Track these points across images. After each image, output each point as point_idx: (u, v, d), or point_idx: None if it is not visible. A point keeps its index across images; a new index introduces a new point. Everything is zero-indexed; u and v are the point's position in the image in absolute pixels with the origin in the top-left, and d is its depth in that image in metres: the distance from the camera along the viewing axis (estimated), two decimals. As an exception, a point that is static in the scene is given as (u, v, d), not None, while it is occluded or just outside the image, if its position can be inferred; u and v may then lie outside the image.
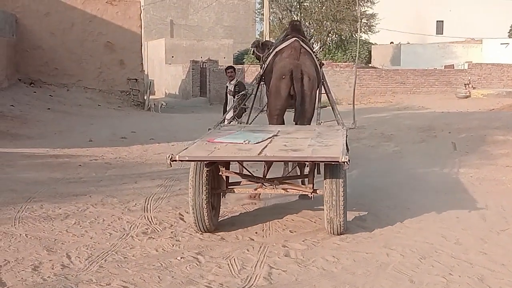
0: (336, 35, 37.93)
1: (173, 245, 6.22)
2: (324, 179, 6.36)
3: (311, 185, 6.81)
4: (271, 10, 33.74)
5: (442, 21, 55.85)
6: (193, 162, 6.34)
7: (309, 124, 8.39)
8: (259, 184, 7.32)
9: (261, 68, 9.29)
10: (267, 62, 8.72)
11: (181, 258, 5.80)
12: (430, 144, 13.31)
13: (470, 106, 24.75)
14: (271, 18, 33.87)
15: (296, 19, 36.98)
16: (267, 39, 26.89)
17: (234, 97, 10.72)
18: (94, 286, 5.08)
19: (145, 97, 25.67)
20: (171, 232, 6.67)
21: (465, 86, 32.34)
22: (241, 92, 10.46)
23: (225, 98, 12.13)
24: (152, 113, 24.03)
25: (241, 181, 7.27)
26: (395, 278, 5.34)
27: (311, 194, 6.73)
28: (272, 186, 7.01)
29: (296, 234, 6.64)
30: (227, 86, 11.98)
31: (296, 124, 8.31)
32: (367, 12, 37.46)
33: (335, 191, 6.26)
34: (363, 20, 36.59)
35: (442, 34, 52.69)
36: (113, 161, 11.39)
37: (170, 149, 12.78)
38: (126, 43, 24.63)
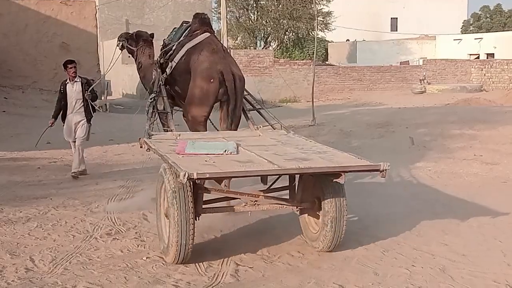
0: (293, 33, 38.10)
1: (138, 246, 6.19)
2: (323, 193, 5.74)
3: (298, 199, 6.05)
4: (228, 9, 33.68)
5: (396, 18, 56.70)
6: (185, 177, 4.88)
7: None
8: (240, 202, 6.06)
9: (138, 65, 8.66)
10: (174, 61, 7.64)
11: (146, 258, 5.78)
12: (388, 140, 13.51)
13: (426, 101, 25.18)
14: (228, 17, 33.79)
15: (253, 17, 37.14)
16: (225, 38, 26.79)
17: (88, 100, 9.68)
18: (59, 288, 5.03)
19: (103, 98, 25.39)
20: (136, 233, 6.64)
21: (420, 82, 32.90)
22: (94, 93, 9.85)
23: (60, 102, 9.91)
24: (109, 114, 23.78)
25: (219, 199, 6.13)
26: (360, 271, 5.42)
27: (297, 209, 6.08)
28: (254, 202, 5.90)
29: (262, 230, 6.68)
30: (64, 86, 9.86)
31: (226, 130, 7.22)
32: (323, 10, 37.73)
33: (339, 207, 5.67)
34: (319, 18, 36.81)
35: (396, 31, 53.47)
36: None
37: (130, 150, 12.71)
38: (81, 43, 24.29)
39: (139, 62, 8.71)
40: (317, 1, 36.01)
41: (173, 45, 7.86)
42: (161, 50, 8.11)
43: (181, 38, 7.84)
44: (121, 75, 38.54)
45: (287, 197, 6.26)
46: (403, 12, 56.34)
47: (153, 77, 7.87)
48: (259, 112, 7.79)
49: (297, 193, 6.08)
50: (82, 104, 9.74)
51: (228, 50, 8.07)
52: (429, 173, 10.00)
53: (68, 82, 9.83)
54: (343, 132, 14.62)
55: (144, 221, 7.09)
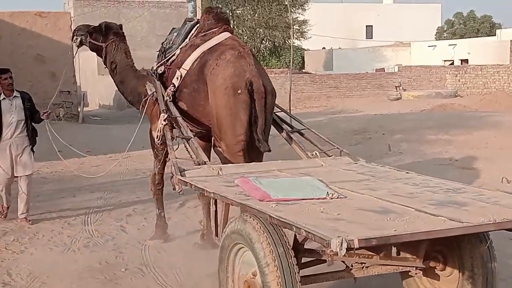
0: (270, 42, 38.28)
1: (116, 257, 6.17)
2: (464, 247, 4.08)
3: (422, 256, 4.18)
4: (204, 18, 33.75)
5: (372, 26, 57.26)
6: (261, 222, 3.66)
7: None
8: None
9: (111, 66, 6.81)
10: (184, 68, 5.87)
11: (125, 269, 5.76)
12: (365, 146, 13.60)
13: (402, 108, 25.41)
14: (204, 27, 33.88)
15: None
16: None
17: (35, 115, 7.57)
18: (37, 302, 4.99)
19: (79, 109, 25.25)
20: (114, 244, 6.61)
21: (396, 89, 33.20)
22: (33, 106, 7.60)
23: None
24: (86, 125, 23.66)
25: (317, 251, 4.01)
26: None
27: (417, 271, 4.27)
28: (362, 265, 4.16)
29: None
30: None
31: (249, 158, 5.48)
32: (299, 19, 37.96)
33: (489, 267, 4.03)
34: (295, 27, 37.02)
35: (371, 38, 54.00)
36: (50, 176, 11.15)
37: (107, 162, 12.63)
38: (57, 55, 24.13)
39: (112, 62, 6.79)
40: (292, 10, 36.21)
41: (177, 49, 6.19)
42: (158, 56, 6.51)
43: (188, 40, 6.14)
44: (97, 86, 38.37)
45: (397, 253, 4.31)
46: (378, 19, 56.92)
47: (147, 89, 6.35)
48: (300, 134, 6.03)
49: (420, 248, 4.16)
50: (25, 127, 7.48)
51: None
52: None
53: (3, 98, 7.42)
54: (321, 140, 14.66)
55: (122, 233, 7.06)
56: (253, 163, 5.22)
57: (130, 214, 7.96)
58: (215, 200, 4.31)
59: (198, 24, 6.22)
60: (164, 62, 6.27)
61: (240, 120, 5.34)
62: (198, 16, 28.73)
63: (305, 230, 3.21)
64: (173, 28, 6.82)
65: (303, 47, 42.83)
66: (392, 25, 55.18)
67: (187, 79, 5.81)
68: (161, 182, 6.77)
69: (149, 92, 6.31)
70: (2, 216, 7.71)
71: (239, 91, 5.32)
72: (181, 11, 48.52)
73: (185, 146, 5.33)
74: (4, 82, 7.43)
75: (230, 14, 37.42)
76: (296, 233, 3.63)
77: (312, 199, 3.89)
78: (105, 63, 6.91)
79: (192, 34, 6.18)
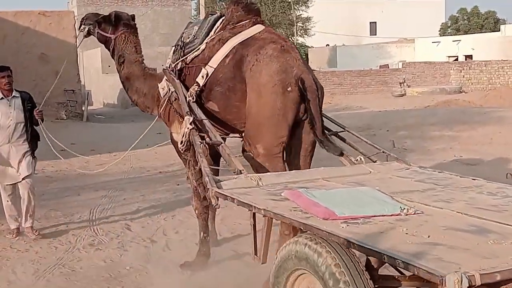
0: (273, 39, 38.27)
1: (121, 255, 6.18)
2: None
3: None
4: (207, 16, 33.76)
5: (375, 22, 57.14)
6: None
7: None
8: None
9: (119, 60, 6.17)
10: (210, 66, 5.23)
11: (130, 267, 5.77)
12: (370, 143, 13.57)
13: (406, 104, 25.38)
14: (208, 24, 33.88)
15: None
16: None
17: (31, 119, 6.87)
18: (42, 301, 5.01)
19: (83, 108, 25.31)
20: (118, 242, 6.62)
21: (400, 85, 33.17)
22: (34, 108, 6.92)
23: None
24: (90, 124, 23.71)
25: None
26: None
27: None
28: None
29: (245, 238, 6.66)
30: None
31: (292, 164, 5.02)
32: (302, 16, 37.94)
33: None
34: (298, 24, 37.02)
35: (375, 35, 53.89)
36: (54, 174, 11.18)
37: (112, 160, 12.64)
38: (61, 54, 24.17)
39: (120, 55, 6.18)
40: (296, 7, 36.20)
41: (201, 44, 5.49)
42: (175, 51, 5.80)
43: (212, 34, 5.47)
44: (101, 85, 38.43)
45: None
46: (381, 16, 56.79)
47: (161, 87, 5.82)
48: (338, 136, 5.52)
49: None
50: (25, 130, 6.87)
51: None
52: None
53: (1, 98, 6.84)
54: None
55: (127, 231, 7.07)
56: (294, 171, 4.71)
57: (134, 212, 7.98)
58: (254, 214, 3.69)
59: (223, 17, 5.56)
60: (184, 58, 5.58)
61: (286, 121, 4.79)
62: (202, 14, 28.73)
63: (405, 262, 2.63)
64: (190, 22, 6.28)
65: (306, 44, 42.79)
66: (396, 21, 55.06)
67: (218, 77, 5.15)
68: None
69: (162, 92, 5.75)
70: (13, 236, 6.89)
71: (289, 89, 4.76)
72: (185, 9, 48.60)
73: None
74: (1, 81, 6.79)
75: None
76: (368, 257, 3.29)
77: (384, 215, 3.33)
78: (112, 56, 6.29)
79: (217, 28, 5.48)
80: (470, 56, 39.94)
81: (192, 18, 42.03)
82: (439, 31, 58.15)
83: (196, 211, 5.84)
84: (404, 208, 3.39)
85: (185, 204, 8.27)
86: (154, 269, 5.69)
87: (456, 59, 40.33)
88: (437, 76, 34.98)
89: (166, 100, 5.75)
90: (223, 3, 35.83)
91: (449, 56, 41.26)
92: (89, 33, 6.39)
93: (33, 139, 6.95)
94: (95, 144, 15.57)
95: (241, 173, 4.31)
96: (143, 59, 6.28)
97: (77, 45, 5.95)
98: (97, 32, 6.30)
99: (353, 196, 3.68)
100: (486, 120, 15.24)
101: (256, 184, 4.15)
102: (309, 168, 5.01)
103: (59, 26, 24.54)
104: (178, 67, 5.62)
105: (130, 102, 32.28)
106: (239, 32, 5.27)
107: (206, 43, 5.42)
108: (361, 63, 38.50)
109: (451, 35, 51.89)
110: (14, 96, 6.87)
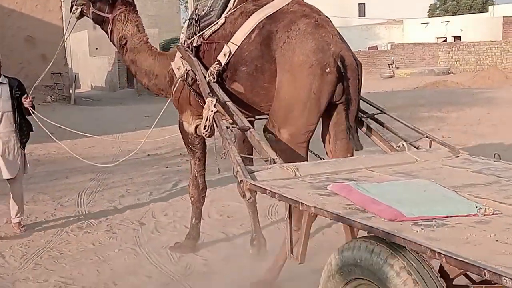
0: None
1: (109, 238, 6.16)
2: None
3: None
4: (196, -3, 33.57)
5: (364, 4, 56.97)
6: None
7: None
8: None
9: (120, 42, 5.58)
10: (233, 42, 4.65)
11: (118, 250, 5.76)
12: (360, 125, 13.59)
13: (395, 86, 25.42)
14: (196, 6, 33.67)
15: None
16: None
17: (20, 108, 6.35)
18: (31, 283, 5.00)
19: (71, 91, 25.17)
20: (107, 225, 6.61)
21: (389, 66, 33.22)
22: (23, 95, 6.35)
23: None
24: (79, 107, 23.59)
25: None
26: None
27: None
28: None
29: (233, 219, 6.69)
30: None
31: (337, 149, 4.59)
32: (291, -3, 37.79)
33: None
34: (287, 5, 36.88)
35: (364, 16, 53.77)
36: (42, 158, 11.12)
37: (99, 143, 12.59)
38: (47, 36, 23.97)
39: (122, 37, 5.57)
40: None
41: (219, 18, 4.87)
42: (189, 25, 5.18)
43: (232, 5, 4.84)
44: (89, 67, 38.21)
45: None
46: (369, -3, 56.63)
47: (176, 67, 5.21)
48: (374, 119, 4.88)
49: None
50: (14, 119, 6.33)
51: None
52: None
53: None
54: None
55: (116, 214, 7.06)
56: (333, 159, 4.17)
57: (123, 195, 7.96)
58: (290, 208, 3.29)
59: None
60: (201, 34, 4.94)
61: (318, 107, 4.28)
62: (190, -5, 28.53)
63: None
64: None
65: (295, 26, 42.64)
66: (385, 2, 54.93)
67: (243, 55, 4.58)
68: (205, 187, 5.67)
69: (178, 73, 5.15)
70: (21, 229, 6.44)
71: (327, 70, 4.22)
72: (173, -9, 48.23)
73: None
74: None
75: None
76: (442, 265, 2.92)
77: (458, 216, 2.80)
78: (111, 39, 5.69)
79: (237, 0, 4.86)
80: (458, 37, 40.00)
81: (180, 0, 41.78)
82: (428, 12, 58.07)
83: (192, 199, 5.64)
84: (481, 208, 2.85)
85: (173, 186, 8.29)
86: (143, 251, 5.68)
87: (445, 40, 40.37)
88: (425, 57, 35.02)
89: (181, 80, 5.13)
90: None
91: (437, 37, 41.31)
92: (82, 15, 5.75)
93: (22, 130, 6.39)
94: (83, 127, 15.47)
95: (274, 162, 3.74)
96: (148, 38, 5.70)
97: (68, 30, 5.15)
98: (92, 12, 5.64)
99: (413, 191, 3.18)
100: (474, 101, 15.31)
101: (294, 175, 3.60)
102: (353, 152, 4.56)
103: (45, 8, 24.32)
104: (195, 44, 5.00)
105: (118, 85, 32.05)
106: (265, 4, 4.65)
107: (226, 17, 4.80)
108: (350, 44, 38.27)
109: (440, 16, 51.88)
110: (1, 82, 6.28)
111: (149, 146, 11.63)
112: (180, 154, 10.75)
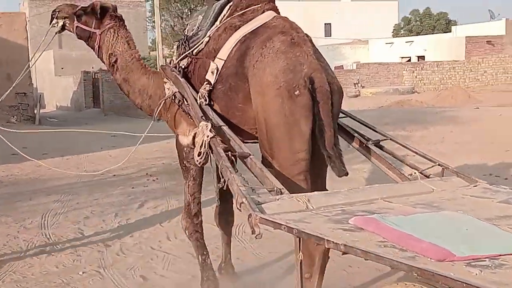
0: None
1: (74, 261, 6.07)
2: None
3: None
4: (163, 17, 33.58)
5: (330, 24, 57.69)
6: None
7: None
8: None
9: (110, 60, 5.21)
10: (220, 58, 4.35)
11: (83, 273, 5.67)
12: (325, 143, 13.67)
13: (360, 105, 25.67)
14: (163, 26, 33.68)
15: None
16: (160, 47, 26.63)
17: None
18: (-8, 309, 4.89)
19: (35, 111, 24.88)
20: (71, 248, 6.51)
21: (355, 86, 33.57)
22: None
23: None
24: (44, 127, 23.30)
25: None
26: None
27: None
28: None
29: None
30: None
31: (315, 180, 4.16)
32: (257, 17, 38.05)
33: None
34: (254, 25, 37.10)
35: (330, 36, 54.39)
36: (5, 179, 10.94)
37: (64, 164, 12.45)
38: (12, 56, 23.74)
39: (111, 54, 5.21)
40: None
41: (206, 36, 4.63)
42: (179, 46, 4.94)
43: (219, 23, 4.62)
44: (55, 87, 37.85)
45: None
46: (336, 17, 57.38)
47: (167, 87, 4.86)
48: (379, 146, 4.59)
49: None
50: None
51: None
52: (364, 175, 10.18)
53: None
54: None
55: (80, 236, 6.96)
56: (345, 190, 3.58)
57: (87, 216, 7.86)
58: (299, 241, 3.02)
59: (231, 2, 4.66)
60: (189, 52, 4.69)
61: (299, 132, 3.85)
62: (157, 16, 28.53)
63: None
64: (195, 12, 5.23)
65: (262, 46, 42.91)
66: (351, 22, 55.73)
67: (222, 72, 4.28)
68: (199, 213, 4.90)
69: (168, 93, 4.79)
70: None
71: (296, 92, 3.86)
72: (139, 10, 48.24)
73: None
74: None
75: (189, 13, 37.35)
76: None
77: (510, 255, 2.49)
78: (99, 56, 5.31)
79: (224, 15, 4.62)
80: (422, 57, 40.69)
81: (147, 19, 41.78)
82: (392, 32, 59.03)
83: (187, 232, 4.91)
84: None
85: (139, 207, 8.21)
86: (108, 274, 5.61)
87: (409, 60, 41.03)
88: (390, 76, 35.51)
89: (171, 101, 4.81)
90: (178, 4, 35.79)
91: (402, 57, 41.96)
92: (63, 28, 5.34)
93: None
94: (47, 147, 15.29)
95: (281, 193, 3.35)
96: (140, 55, 5.33)
97: (44, 44, 4.91)
98: (77, 27, 5.23)
99: (449, 225, 2.86)
100: (438, 120, 15.54)
101: (306, 207, 3.21)
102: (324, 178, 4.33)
103: (10, 27, 24.10)
104: (183, 64, 4.74)
105: (84, 105, 31.83)
106: (251, 19, 4.39)
107: (209, 36, 4.57)
108: (316, 64, 38.78)
109: (404, 36, 52.74)
110: None
111: (115, 167, 11.53)
112: (147, 174, 10.68)
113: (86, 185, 10.00)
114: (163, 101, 4.80)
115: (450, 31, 47.08)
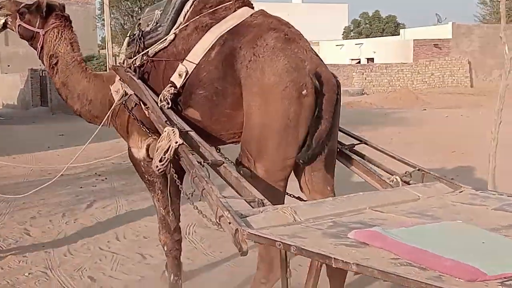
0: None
1: (19, 262, 5.93)
2: None
3: None
4: (112, 15, 33.11)
5: (281, 25, 57.91)
6: None
7: None
8: None
9: (51, 61, 4.73)
10: (189, 61, 3.99)
11: (29, 274, 5.55)
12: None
13: (311, 106, 25.88)
14: (113, 24, 33.24)
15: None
16: (110, 45, 26.27)
17: None
18: None
19: (-20, 109, 24.27)
20: (17, 249, 6.35)
21: (306, 87, 33.83)
22: None
23: None
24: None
25: None
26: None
27: None
28: None
29: (150, 240, 6.57)
30: None
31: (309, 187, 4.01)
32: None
33: None
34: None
35: (281, 37, 54.61)
36: None
37: (11, 162, 12.15)
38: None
39: (52, 55, 4.77)
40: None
41: (166, 33, 4.21)
42: (130, 43, 4.54)
43: (183, 20, 4.20)
44: (0, 85, 36.93)
45: None
46: (287, 19, 57.48)
47: (114, 90, 4.48)
48: (354, 152, 4.45)
49: None
50: None
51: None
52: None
53: None
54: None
55: (26, 236, 6.80)
56: (330, 199, 3.37)
57: (34, 216, 7.68)
58: (284, 255, 2.87)
59: None
60: (145, 52, 4.30)
61: (297, 137, 3.63)
62: (106, 14, 28.12)
63: None
64: (146, 6, 4.69)
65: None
66: (302, 24, 55.87)
67: (201, 76, 3.94)
68: (178, 229, 4.57)
69: (116, 97, 4.41)
70: None
71: (304, 91, 3.59)
72: (89, 8, 47.49)
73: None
74: None
75: (139, 11, 37.00)
76: None
77: None
78: (40, 57, 4.87)
79: (188, 12, 4.21)
80: (371, 59, 41.27)
81: (96, 17, 41.18)
82: (343, 34, 59.74)
83: (165, 247, 4.55)
84: None
85: (88, 207, 8.08)
86: (55, 275, 5.50)
87: (359, 62, 41.56)
88: (340, 78, 35.77)
89: (121, 106, 4.40)
90: (128, 2, 35.39)
91: (352, 59, 42.47)
92: (5, 26, 4.93)
93: None
94: (-8, 146, 14.92)
95: (263, 204, 3.07)
96: (82, 58, 4.90)
97: None
98: (19, 26, 4.80)
99: (462, 238, 2.60)
100: (387, 121, 15.79)
101: (293, 219, 2.92)
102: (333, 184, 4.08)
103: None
104: (138, 63, 4.34)
105: (31, 103, 31.32)
106: (223, 18, 4.06)
107: (175, 33, 4.16)
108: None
109: (354, 38, 53.42)
110: None
111: (62, 166, 11.32)
112: (95, 173, 10.51)
113: (32, 185, 9.73)
114: (114, 106, 4.41)
115: (399, 34, 47.87)
